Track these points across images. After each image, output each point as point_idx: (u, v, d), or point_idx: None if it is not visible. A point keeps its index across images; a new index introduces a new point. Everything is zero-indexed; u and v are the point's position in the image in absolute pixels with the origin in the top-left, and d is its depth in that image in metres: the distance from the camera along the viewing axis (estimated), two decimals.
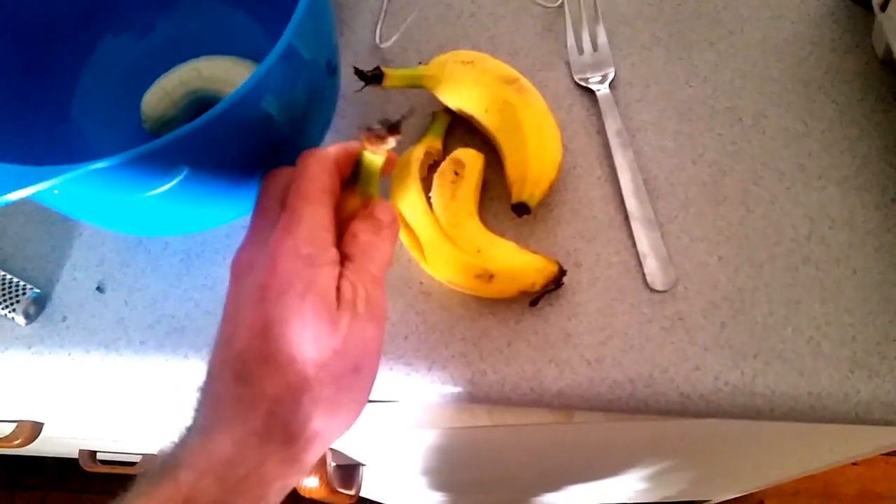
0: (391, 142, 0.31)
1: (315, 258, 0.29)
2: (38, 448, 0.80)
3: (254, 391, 0.28)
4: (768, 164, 0.45)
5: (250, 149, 0.37)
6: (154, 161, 0.33)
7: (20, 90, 0.44)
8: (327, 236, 0.31)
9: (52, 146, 0.44)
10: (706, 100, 0.48)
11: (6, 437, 0.70)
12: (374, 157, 0.32)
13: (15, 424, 0.71)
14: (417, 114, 0.48)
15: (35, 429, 0.72)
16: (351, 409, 0.30)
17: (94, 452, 0.95)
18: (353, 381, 0.29)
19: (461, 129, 0.47)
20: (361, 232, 0.31)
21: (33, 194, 0.31)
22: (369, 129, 0.31)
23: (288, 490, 0.30)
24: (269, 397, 0.28)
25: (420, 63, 0.49)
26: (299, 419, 0.28)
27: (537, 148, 0.43)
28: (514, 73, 0.46)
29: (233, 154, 0.37)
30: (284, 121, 0.39)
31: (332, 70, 0.42)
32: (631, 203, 0.44)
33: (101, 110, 0.47)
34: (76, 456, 0.94)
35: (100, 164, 0.32)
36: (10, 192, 0.31)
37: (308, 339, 0.28)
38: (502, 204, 0.45)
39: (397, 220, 0.34)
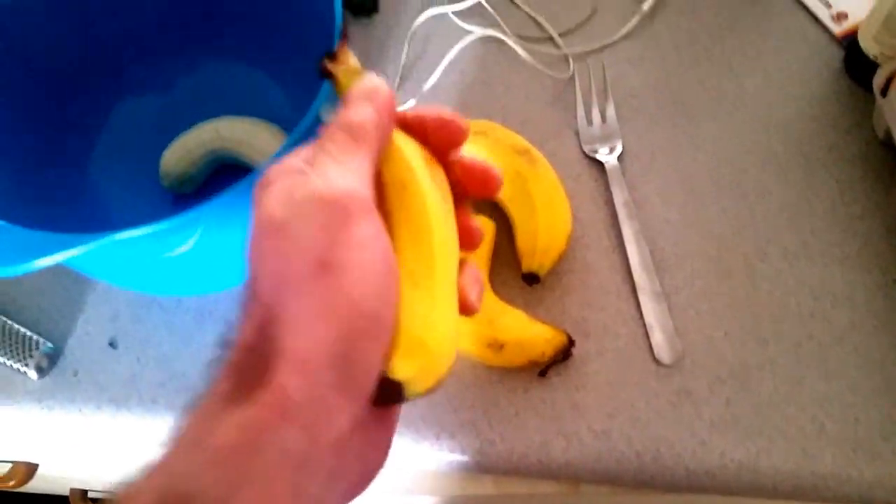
0: (349, 55, 0.29)
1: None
2: (26, 487, 0.79)
3: None
4: (773, 240, 0.46)
5: None
6: (175, 228, 0.34)
7: (41, 146, 0.45)
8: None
9: (71, 201, 0.45)
10: (711, 173, 0.49)
11: (0, 477, 0.70)
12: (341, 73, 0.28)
13: (10, 465, 0.70)
14: None
15: (30, 470, 0.72)
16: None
17: (86, 491, 0.94)
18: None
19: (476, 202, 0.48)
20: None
21: None
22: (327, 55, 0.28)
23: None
24: None
25: None
26: None
27: (547, 220, 0.44)
28: (525, 143, 0.47)
29: (245, 213, 0.38)
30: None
31: None
32: (638, 274, 0.45)
33: (120, 166, 0.48)
34: (66, 494, 0.93)
35: (127, 234, 0.32)
36: (34, 259, 0.32)
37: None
38: (512, 271, 0.46)
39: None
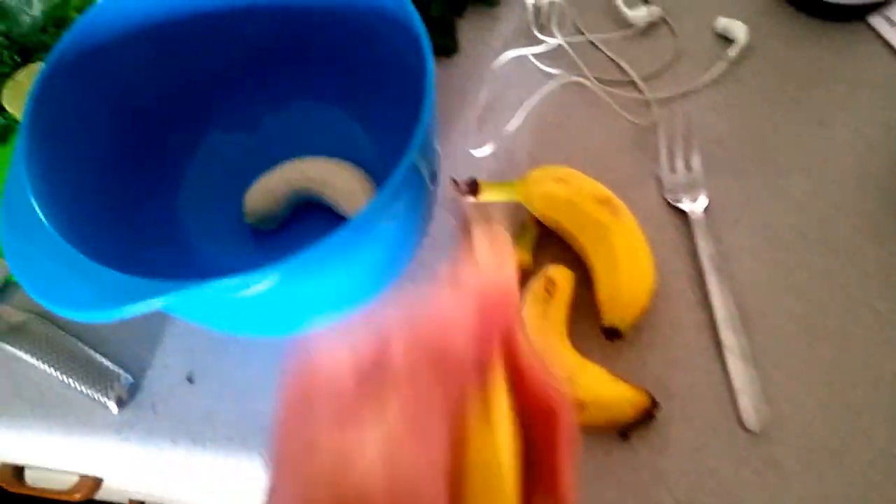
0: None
1: None
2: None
3: None
4: (865, 303, 0.44)
5: (351, 256, 0.38)
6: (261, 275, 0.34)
7: (134, 184, 0.46)
8: None
9: (160, 240, 0.46)
10: (800, 228, 0.47)
11: (67, 490, 0.71)
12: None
13: (78, 478, 0.72)
14: (509, 228, 0.49)
15: (95, 485, 0.73)
16: None
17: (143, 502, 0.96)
18: None
19: (550, 240, 0.48)
20: None
21: None
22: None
23: None
24: None
25: (514, 176, 0.50)
26: None
27: (630, 272, 0.43)
28: (606, 192, 0.46)
29: (333, 263, 0.37)
30: (388, 229, 0.40)
31: (434, 178, 0.43)
32: (725, 334, 0.44)
33: (205, 202, 0.49)
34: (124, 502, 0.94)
35: (222, 283, 0.33)
36: (127, 305, 0.32)
37: None
38: (590, 322, 0.45)
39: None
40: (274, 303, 0.39)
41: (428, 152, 0.39)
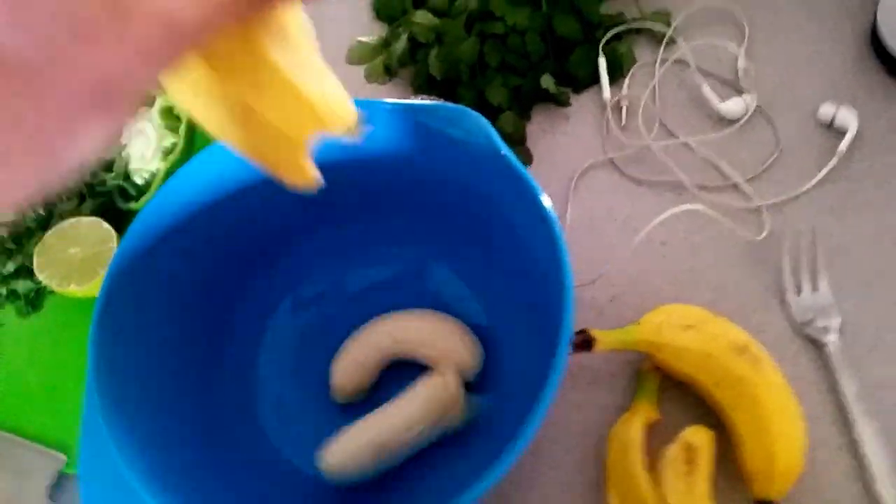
0: None
1: None
2: None
3: None
4: None
5: None
6: None
7: (206, 374, 0.41)
8: None
9: (238, 432, 0.41)
10: None
11: None
12: None
13: None
14: (621, 370, 0.44)
15: None
16: None
17: None
18: None
19: (674, 388, 0.43)
20: None
21: None
22: None
23: None
24: None
25: (616, 308, 0.45)
26: None
27: (784, 436, 0.38)
28: (744, 337, 0.41)
29: None
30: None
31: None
32: (886, 488, 0.39)
33: (281, 377, 0.44)
34: None
35: None
36: None
37: None
38: (732, 482, 0.40)
39: None
40: None
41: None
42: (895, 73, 0.50)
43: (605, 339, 0.42)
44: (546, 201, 0.34)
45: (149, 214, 0.37)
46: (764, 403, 0.39)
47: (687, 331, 0.41)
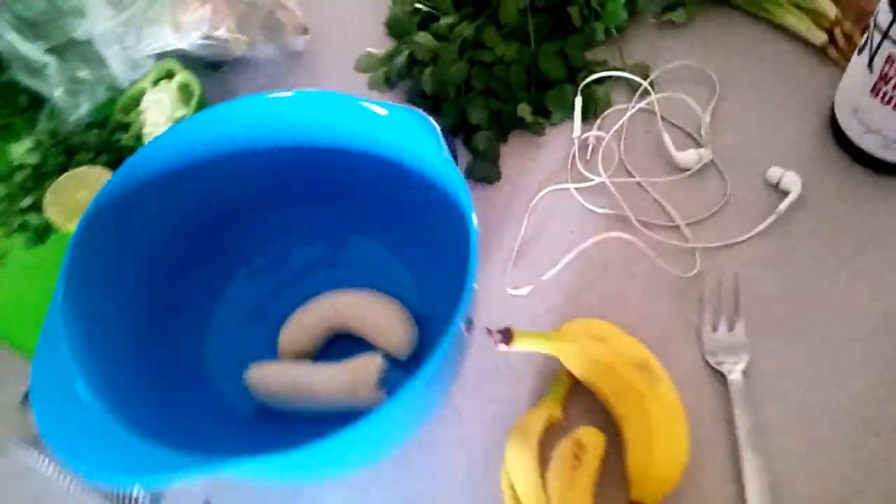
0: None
1: None
2: None
3: None
4: None
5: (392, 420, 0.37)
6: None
7: (164, 326, 0.46)
8: None
9: (187, 379, 0.46)
10: (845, 404, 0.45)
11: None
12: None
13: None
14: (539, 373, 0.48)
15: None
16: None
17: None
18: None
19: (582, 393, 0.46)
20: None
21: None
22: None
23: None
24: None
25: (547, 317, 0.50)
26: None
27: (664, 448, 0.42)
28: (645, 355, 0.45)
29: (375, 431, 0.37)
30: (426, 383, 0.39)
31: (470, 326, 0.42)
32: None
33: (233, 341, 0.49)
34: None
35: (262, 463, 0.32)
36: (152, 476, 0.32)
37: None
38: (619, 491, 0.43)
39: None
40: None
41: (469, 308, 0.39)
42: (846, 148, 0.54)
43: (524, 337, 0.46)
44: (470, 202, 0.38)
45: (134, 164, 0.42)
46: (652, 416, 0.42)
47: (598, 343, 0.45)
